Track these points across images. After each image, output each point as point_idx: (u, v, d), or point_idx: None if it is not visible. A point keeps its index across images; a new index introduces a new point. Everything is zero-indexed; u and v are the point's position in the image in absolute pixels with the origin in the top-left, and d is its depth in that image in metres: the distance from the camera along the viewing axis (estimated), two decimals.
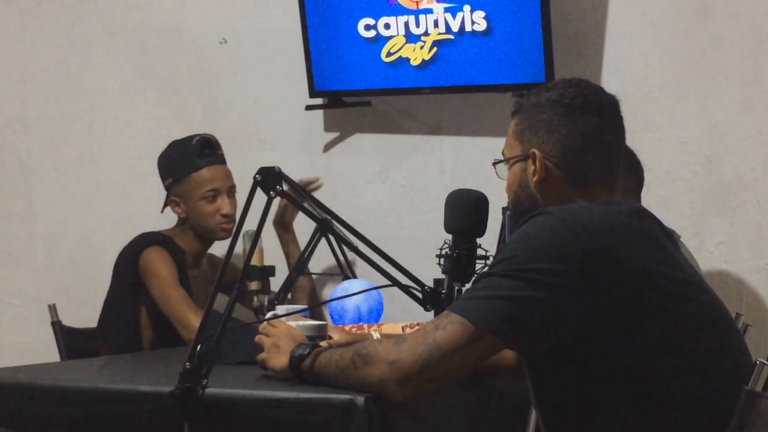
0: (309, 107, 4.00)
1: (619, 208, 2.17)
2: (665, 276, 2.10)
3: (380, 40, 3.83)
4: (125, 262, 3.56)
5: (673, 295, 2.09)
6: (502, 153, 2.33)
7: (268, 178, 2.42)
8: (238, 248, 2.57)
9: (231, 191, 3.63)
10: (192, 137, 3.64)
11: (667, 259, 2.13)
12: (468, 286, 2.53)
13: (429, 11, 3.75)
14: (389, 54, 3.83)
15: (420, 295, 2.60)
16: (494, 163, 2.36)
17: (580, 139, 2.22)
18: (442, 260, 2.64)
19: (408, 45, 3.80)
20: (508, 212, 2.39)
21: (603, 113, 2.25)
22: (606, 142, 2.25)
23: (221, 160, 3.65)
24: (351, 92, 3.94)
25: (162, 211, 3.69)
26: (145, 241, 3.57)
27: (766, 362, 2.01)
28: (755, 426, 2.04)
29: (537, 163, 2.24)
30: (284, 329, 2.39)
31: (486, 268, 2.20)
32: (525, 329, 2.06)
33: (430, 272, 2.70)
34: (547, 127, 2.24)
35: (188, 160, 3.60)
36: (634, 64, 3.66)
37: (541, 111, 2.25)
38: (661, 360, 2.06)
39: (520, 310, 2.05)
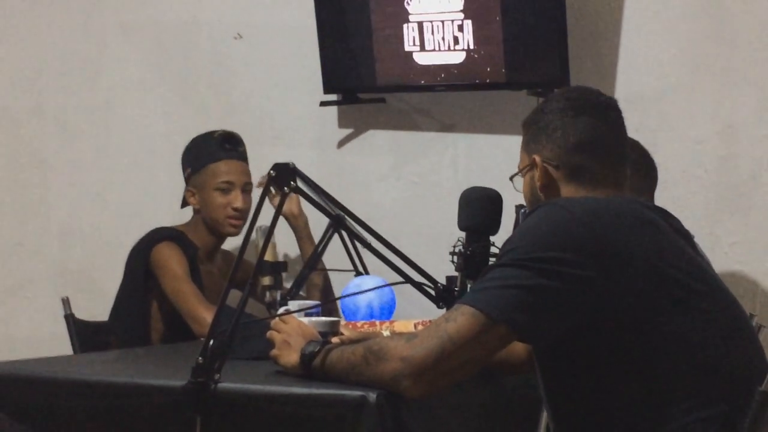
0: (323, 103, 3.99)
1: (623, 198, 2.21)
2: (674, 266, 2.11)
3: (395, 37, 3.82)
4: (138, 256, 3.57)
5: (684, 286, 2.10)
6: (518, 167, 2.38)
7: (283, 174, 2.42)
8: (252, 243, 2.57)
9: (246, 188, 3.63)
10: (215, 131, 3.65)
11: (677, 252, 2.14)
12: None
13: None
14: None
15: (433, 293, 2.60)
16: (511, 178, 2.41)
17: (573, 138, 2.27)
18: (455, 258, 2.63)
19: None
20: (523, 210, 2.40)
21: (596, 112, 2.29)
22: (602, 141, 2.28)
23: (241, 157, 3.65)
24: (365, 88, 3.93)
25: (182, 206, 3.68)
26: (158, 235, 3.57)
27: None
28: None
29: (539, 168, 2.29)
30: (295, 325, 2.38)
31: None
32: (535, 317, 2.07)
33: (443, 269, 2.70)
34: (544, 133, 2.30)
35: (207, 152, 3.61)
36: (649, 64, 3.65)
37: (539, 120, 2.32)
38: (672, 353, 2.06)
39: (530, 298, 2.06)
